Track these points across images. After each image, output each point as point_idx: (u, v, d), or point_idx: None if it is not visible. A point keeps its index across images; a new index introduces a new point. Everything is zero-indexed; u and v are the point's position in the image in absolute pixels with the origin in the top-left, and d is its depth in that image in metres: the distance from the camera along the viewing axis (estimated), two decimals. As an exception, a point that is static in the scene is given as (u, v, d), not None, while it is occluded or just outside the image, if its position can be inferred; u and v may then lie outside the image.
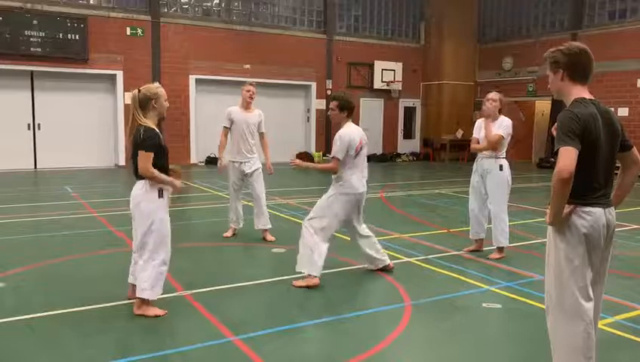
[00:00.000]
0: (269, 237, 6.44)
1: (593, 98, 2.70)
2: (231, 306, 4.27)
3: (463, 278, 5.09)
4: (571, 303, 2.64)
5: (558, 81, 2.76)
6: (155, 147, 3.89)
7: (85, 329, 3.75)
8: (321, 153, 17.88)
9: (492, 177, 5.80)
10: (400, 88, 19.41)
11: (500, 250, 5.82)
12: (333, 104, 4.86)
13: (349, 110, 4.82)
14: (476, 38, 20.02)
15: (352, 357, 3.38)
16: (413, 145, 20.43)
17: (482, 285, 4.87)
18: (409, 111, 20.38)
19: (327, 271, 5.14)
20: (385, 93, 19.38)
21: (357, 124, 5.01)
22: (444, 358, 3.46)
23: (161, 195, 3.96)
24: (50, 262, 5.41)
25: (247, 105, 6.26)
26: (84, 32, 14.23)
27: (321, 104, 18.13)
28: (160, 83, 15.23)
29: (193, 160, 16.48)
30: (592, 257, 2.66)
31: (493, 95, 5.85)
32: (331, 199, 4.83)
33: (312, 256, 4.67)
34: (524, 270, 5.33)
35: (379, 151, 19.37)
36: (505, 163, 5.80)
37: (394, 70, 19.14)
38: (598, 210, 2.63)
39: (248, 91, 6.20)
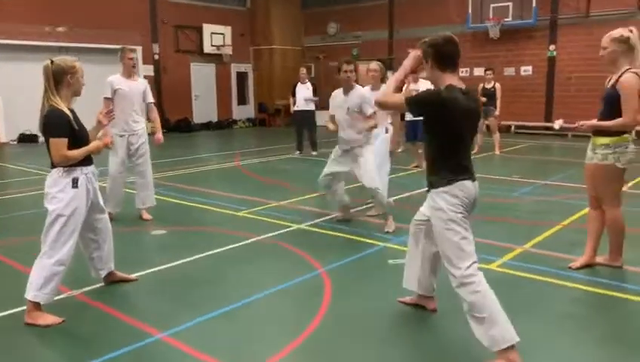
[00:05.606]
0: (146, 216, 6.07)
1: (462, 85, 2.90)
2: (140, 301, 3.83)
3: (357, 238, 5.24)
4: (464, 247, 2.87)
5: (430, 70, 2.96)
6: (66, 131, 3.38)
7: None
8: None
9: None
10: (231, 53, 18.94)
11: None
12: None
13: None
14: (300, 4, 20.30)
15: (303, 330, 3.27)
16: (249, 110, 20.26)
17: (377, 243, 5.08)
18: (241, 77, 20.06)
19: (229, 248, 4.94)
20: (216, 58, 18.74)
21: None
22: (389, 309, 3.55)
23: (75, 185, 3.41)
24: None
25: (130, 74, 5.90)
26: None
27: (149, 70, 16.86)
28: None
29: (2, 139, 14.26)
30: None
31: (374, 65, 5.92)
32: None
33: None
34: (406, 223, 5.64)
35: (215, 118, 18.83)
36: (390, 127, 5.99)
37: (223, 34, 18.57)
38: (469, 183, 2.93)
39: (131, 59, 5.89)
